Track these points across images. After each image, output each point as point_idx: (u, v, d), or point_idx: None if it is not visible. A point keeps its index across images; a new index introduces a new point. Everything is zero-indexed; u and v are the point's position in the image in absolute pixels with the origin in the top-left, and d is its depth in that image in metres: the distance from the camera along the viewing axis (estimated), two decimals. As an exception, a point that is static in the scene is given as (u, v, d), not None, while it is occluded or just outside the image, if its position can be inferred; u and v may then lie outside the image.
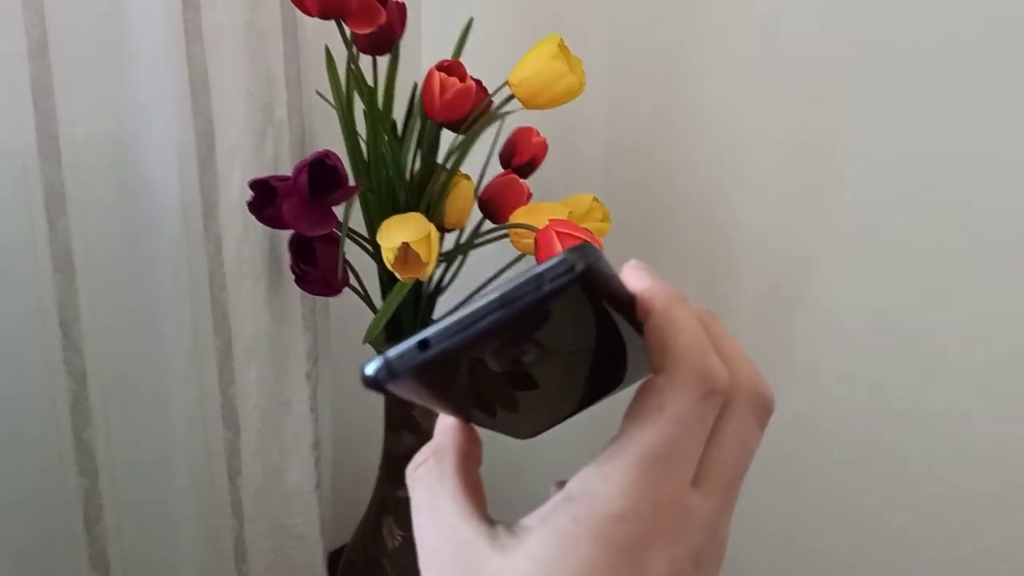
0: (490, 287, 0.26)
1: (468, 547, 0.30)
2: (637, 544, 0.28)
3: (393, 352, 0.27)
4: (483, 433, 0.34)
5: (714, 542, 0.30)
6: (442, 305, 1.04)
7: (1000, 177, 0.88)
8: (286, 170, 0.99)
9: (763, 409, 0.31)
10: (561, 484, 0.30)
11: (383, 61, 0.96)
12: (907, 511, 1.01)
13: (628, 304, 0.30)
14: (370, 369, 0.28)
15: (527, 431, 0.35)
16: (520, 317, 0.26)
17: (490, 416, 0.33)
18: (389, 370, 0.27)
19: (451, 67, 0.92)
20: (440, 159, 0.97)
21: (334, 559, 1.21)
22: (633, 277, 0.30)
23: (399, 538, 1.08)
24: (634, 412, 0.29)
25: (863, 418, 1.02)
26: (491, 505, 0.33)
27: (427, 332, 0.27)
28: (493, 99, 0.94)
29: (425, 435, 1.05)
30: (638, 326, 0.30)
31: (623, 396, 0.32)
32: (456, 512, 0.31)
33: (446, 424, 0.34)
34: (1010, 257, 0.89)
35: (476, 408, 0.32)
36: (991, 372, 0.92)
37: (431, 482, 0.33)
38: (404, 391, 0.29)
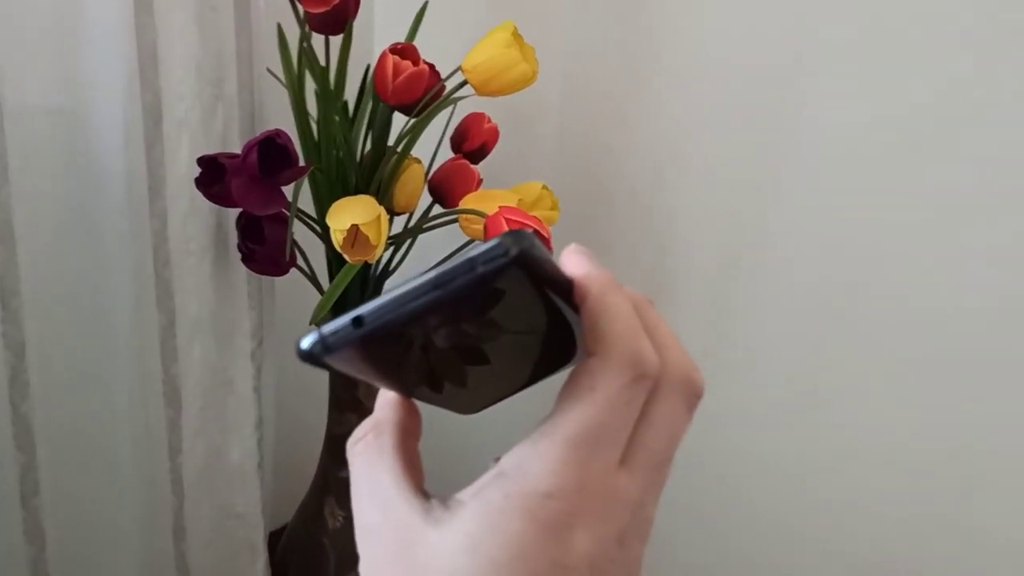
0: (432, 267, 0.26)
1: (404, 521, 0.31)
2: (564, 522, 0.29)
3: (328, 328, 0.28)
4: (427, 408, 0.35)
5: (639, 521, 0.31)
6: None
7: (945, 179, 0.91)
8: (235, 147, 0.98)
9: (693, 394, 0.32)
10: (499, 459, 0.31)
11: (336, 41, 0.95)
12: (839, 486, 1.04)
13: (567, 288, 0.30)
14: (305, 343, 0.28)
15: (472, 407, 0.35)
16: (453, 299, 0.27)
17: (435, 393, 0.33)
18: (324, 345, 0.28)
19: (404, 50, 0.92)
20: (391, 142, 0.97)
21: (275, 538, 1.21)
22: (571, 261, 0.31)
23: (340, 519, 1.08)
24: (567, 393, 0.30)
25: (798, 402, 1.05)
26: (434, 480, 0.33)
27: (362, 309, 0.27)
28: (446, 84, 0.94)
29: (369, 415, 1.05)
30: (577, 309, 0.30)
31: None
32: (394, 487, 0.32)
33: (386, 398, 0.35)
34: (947, 250, 0.92)
35: (421, 385, 0.33)
36: (924, 363, 0.96)
37: (370, 456, 0.34)
38: (342, 365, 0.29)
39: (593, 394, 0.29)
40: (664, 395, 0.31)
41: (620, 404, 0.30)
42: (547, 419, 0.30)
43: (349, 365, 0.29)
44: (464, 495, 0.30)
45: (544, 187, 0.99)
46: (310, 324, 0.96)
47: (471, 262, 0.26)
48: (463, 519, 0.29)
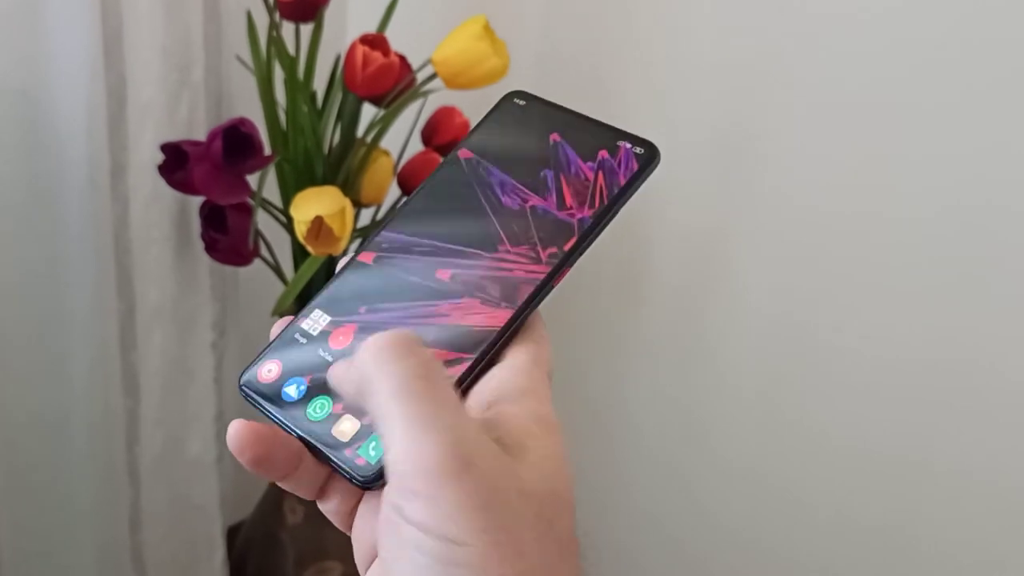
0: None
1: (497, 458, 0.27)
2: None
3: None
4: None
5: None
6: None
7: (923, 174, 0.91)
8: (200, 134, 0.97)
9: None
10: None
11: (306, 29, 0.94)
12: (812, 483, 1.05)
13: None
14: None
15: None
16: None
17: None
18: None
19: (375, 41, 0.90)
20: (360, 133, 0.96)
21: (233, 532, 1.20)
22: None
23: (300, 513, 1.07)
24: (520, 342, 0.34)
25: (764, 399, 1.05)
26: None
27: None
28: (417, 76, 0.93)
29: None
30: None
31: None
32: (460, 412, 0.27)
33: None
34: (925, 257, 0.92)
35: None
36: (887, 371, 0.96)
37: (425, 365, 0.27)
38: None
39: (544, 339, 0.35)
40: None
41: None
42: (514, 374, 0.33)
43: None
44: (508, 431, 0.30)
45: (514, 183, 0.98)
46: (272, 315, 0.95)
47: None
48: (549, 445, 0.30)
